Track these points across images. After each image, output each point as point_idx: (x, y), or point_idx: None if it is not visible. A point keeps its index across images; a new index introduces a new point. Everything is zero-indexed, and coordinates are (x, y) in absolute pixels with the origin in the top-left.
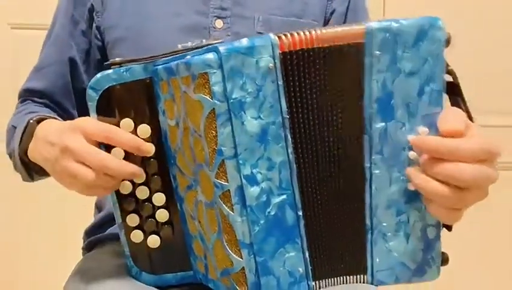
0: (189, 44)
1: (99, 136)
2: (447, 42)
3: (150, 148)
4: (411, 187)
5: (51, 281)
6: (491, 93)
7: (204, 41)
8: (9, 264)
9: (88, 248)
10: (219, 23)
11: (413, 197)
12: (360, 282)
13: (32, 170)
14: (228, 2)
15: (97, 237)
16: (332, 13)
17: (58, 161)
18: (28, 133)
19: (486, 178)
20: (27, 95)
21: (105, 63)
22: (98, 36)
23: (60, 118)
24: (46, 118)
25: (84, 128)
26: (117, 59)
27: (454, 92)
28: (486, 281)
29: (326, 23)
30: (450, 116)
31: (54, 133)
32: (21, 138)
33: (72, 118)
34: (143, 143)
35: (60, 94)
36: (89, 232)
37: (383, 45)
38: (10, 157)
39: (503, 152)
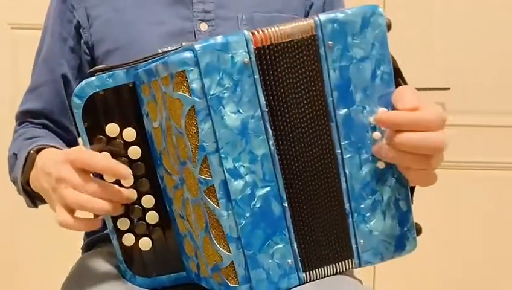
0: (168, 48)
1: (83, 165)
2: (389, 27)
3: (127, 173)
4: (380, 165)
5: (50, 281)
6: (491, 93)
7: (184, 44)
8: (9, 264)
9: (87, 247)
10: (204, 26)
11: (383, 175)
12: (348, 267)
13: (35, 198)
14: (211, 4)
15: (96, 237)
16: (311, 7)
17: (55, 191)
18: (28, 163)
19: (445, 143)
20: (24, 117)
21: (89, 71)
22: (87, 51)
23: (59, 140)
24: (45, 148)
25: (69, 159)
26: (100, 66)
27: (397, 75)
28: (490, 282)
29: (306, 16)
30: (404, 94)
31: (51, 164)
32: (23, 168)
33: (72, 135)
34: (118, 168)
35: (57, 113)
36: (88, 233)
37: (333, 35)
38: (14, 183)
39: (503, 152)
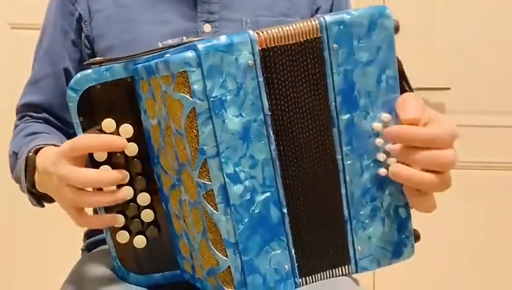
0: (169, 41)
1: (76, 151)
2: (396, 29)
3: (122, 143)
4: (381, 172)
5: (50, 282)
6: (491, 93)
7: (185, 39)
8: (9, 264)
9: (87, 249)
10: (207, 28)
11: (384, 181)
12: (345, 272)
13: (42, 199)
14: (216, 5)
15: (96, 238)
16: (317, 10)
17: (59, 191)
18: (30, 167)
19: (456, 160)
20: (25, 110)
21: (85, 63)
22: (88, 45)
23: (59, 134)
24: (43, 147)
25: (62, 152)
26: (97, 58)
27: (402, 78)
28: (490, 282)
29: None
30: (408, 103)
31: (50, 165)
32: (25, 172)
33: (73, 129)
34: (113, 140)
35: (58, 106)
36: (89, 234)
37: (339, 38)
38: (16, 181)
39: (503, 152)
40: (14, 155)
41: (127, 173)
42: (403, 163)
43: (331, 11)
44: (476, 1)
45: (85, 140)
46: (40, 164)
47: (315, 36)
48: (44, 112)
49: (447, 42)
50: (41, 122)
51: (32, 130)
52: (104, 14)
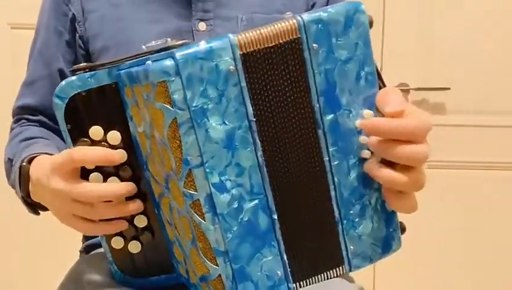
0: (153, 43)
1: (69, 166)
2: (371, 24)
3: (119, 155)
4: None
5: (50, 283)
6: (491, 93)
7: (169, 41)
8: (9, 265)
9: (86, 250)
10: (202, 26)
11: (369, 178)
12: (339, 274)
13: (37, 207)
14: (210, 3)
15: (95, 240)
16: (313, 6)
17: (53, 205)
18: (24, 177)
19: (427, 155)
20: (21, 112)
21: (70, 69)
22: (82, 46)
23: (55, 138)
24: (37, 156)
25: (54, 167)
26: (81, 64)
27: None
28: (491, 283)
29: None
30: (390, 97)
31: (43, 177)
32: (19, 181)
33: None
34: (107, 154)
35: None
36: (87, 236)
37: (318, 37)
38: (12, 187)
39: (503, 152)
40: (9, 162)
41: (134, 185)
42: (382, 158)
43: (327, 5)
44: (476, 1)
45: (78, 155)
46: (33, 173)
47: (294, 37)
48: (40, 115)
49: (447, 42)
50: (37, 126)
51: (27, 135)
52: (98, 14)
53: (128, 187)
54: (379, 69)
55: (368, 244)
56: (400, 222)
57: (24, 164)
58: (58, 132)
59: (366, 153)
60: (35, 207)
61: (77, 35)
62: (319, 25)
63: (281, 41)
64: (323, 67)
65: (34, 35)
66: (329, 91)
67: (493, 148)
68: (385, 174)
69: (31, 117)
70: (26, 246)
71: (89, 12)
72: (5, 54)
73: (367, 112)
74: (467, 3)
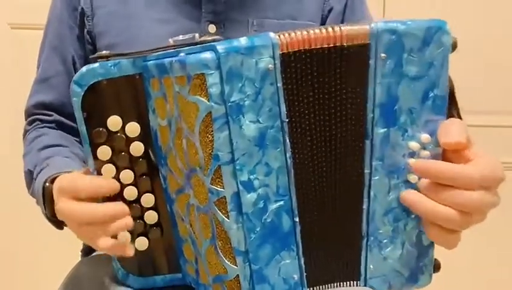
0: (180, 37)
1: (74, 195)
2: (453, 47)
3: (114, 186)
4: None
5: (50, 283)
6: (491, 93)
7: (197, 36)
8: (9, 265)
9: (86, 251)
10: (212, 28)
11: None
12: (352, 285)
13: (63, 224)
14: (221, 6)
15: None
16: (330, 11)
17: (71, 225)
18: (47, 197)
19: (491, 204)
20: (35, 112)
21: (91, 56)
22: (90, 41)
23: (75, 144)
24: (58, 176)
25: (62, 191)
26: (104, 52)
27: (451, 99)
28: (492, 283)
29: (323, 22)
30: (452, 128)
31: (60, 200)
32: (43, 201)
33: None
34: (101, 185)
35: (70, 105)
36: None
37: (388, 47)
38: (32, 196)
39: (503, 152)
40: (30, 173)
41: (124, 205)
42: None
43: (344, 12)
44: (476, 1)
45: (82, 186)
46: (55, 194)
47: (363, 42)
48: (55, 113)
49: None
50: (53, 128)
51: (46, 142)
52: (107, 10)
53: (117, 207)
54: (457, 99)
55: (391, 269)
56: (435, 259)
57: (47, 184)
58: (75, 131)
59: (412, 178)
60: (60, 224)
61: (85, 30)
62: (393, 36)
63: (325, 45)
64: (387, 80)
65: (45, 29)
66: (387, 104)
67: (493, 148)
68: (429, 207)
69: (45, 117)
70: (27, 246)
71: (98, 7)
72: (5, 54)
73: (424, 136)
74: (467, 3)
